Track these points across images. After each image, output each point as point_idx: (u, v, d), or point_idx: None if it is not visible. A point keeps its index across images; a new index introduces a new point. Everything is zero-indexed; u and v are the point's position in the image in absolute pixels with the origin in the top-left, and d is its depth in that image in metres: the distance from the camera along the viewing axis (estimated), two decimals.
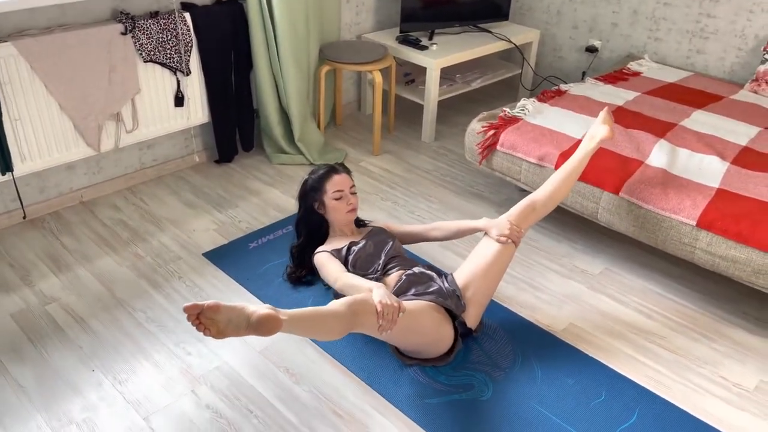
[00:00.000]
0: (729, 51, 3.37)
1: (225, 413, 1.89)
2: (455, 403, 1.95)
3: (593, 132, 2.42)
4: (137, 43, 2.69)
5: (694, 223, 2.22)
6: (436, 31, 3.76)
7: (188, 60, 2.87)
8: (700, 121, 2.81)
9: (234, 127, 3.22)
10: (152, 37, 2.72)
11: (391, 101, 3.62)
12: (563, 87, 3.15)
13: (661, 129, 2.72)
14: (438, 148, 3.53)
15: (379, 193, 3.07)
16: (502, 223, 2.16)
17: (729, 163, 2.46)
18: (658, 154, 2.52)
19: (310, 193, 2.38)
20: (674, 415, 1.94)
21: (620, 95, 3.06)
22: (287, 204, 2.94)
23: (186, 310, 1.44)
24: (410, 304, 1.94)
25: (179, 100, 2.93)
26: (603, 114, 2.46)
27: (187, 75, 2.90)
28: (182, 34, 2.81)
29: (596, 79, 3.30)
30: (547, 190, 2.28)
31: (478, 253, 2.16)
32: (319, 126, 3.47)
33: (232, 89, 3.12)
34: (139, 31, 2.68)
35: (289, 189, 3.07)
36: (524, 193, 3.08)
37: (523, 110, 2.85)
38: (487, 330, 2.24)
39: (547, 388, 2.01)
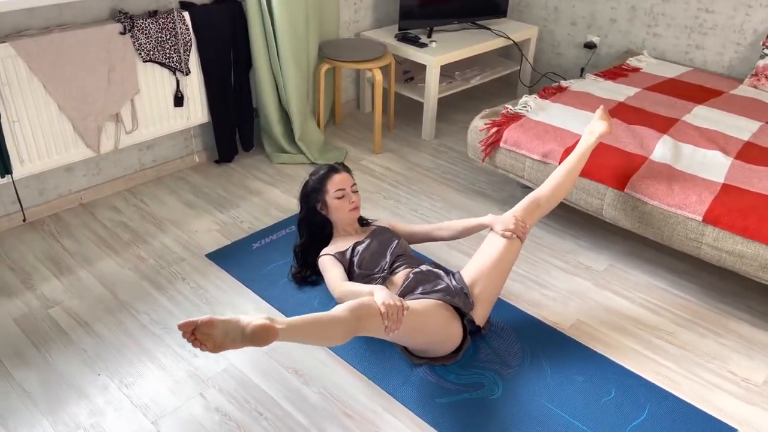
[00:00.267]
0: (728, 46, 3.38)
1: (234, 416, 1.87)
2: (466, 402, 1.94)
3: (592, 127, 2.42)
4: (136, 43, 2.66)
5: (701, 218, 2.22)
6: (435, 28, 3.74)
7: (187, 59, 2.84)
8: (701, 116, 2.81)
9: (234, 126, 3.20)
10: (151, 37, 2.70)
11: (391, 99, 3.60)
12: (564, 83, 3.15)
13: (663, 125, 2.71)
14: (438, 146, 3.51)
15: (382, 191, 3.06)
16: (507, 218, 2.16)
17: (732, 158, 2.47)
18: (662, 150, 2.52)
19: (312, 194, 2.36)
20: (684, 411, 1.93)
21: (621, 91, 3.06)
22: (289, 204, 2.92)
23: (181, 327, 1.43)
24: (418, 303, 1.93)
25: (179, 100, 2.90)
26: (599, 111, 2.47)
27: (187, 75, 2.87)
28: (181, 33, 2.78)
29: (596, 75, 3.29)
30: (550, 186, 2.28)
31: (484, 250, 2.15)
32: (318, 125, 3.45)
33: (232, 88, 3.09)
34: (138, 31, 2.65)
35: (290, 188, 3.05)
36: (527, 190, 3.08)
37: (525, 107, 2.85)
38: (494, 328, 2.23)
39: (557, 385, 2.00)
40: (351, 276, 2.21)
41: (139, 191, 2.99)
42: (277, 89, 3.18)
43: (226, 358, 2.08)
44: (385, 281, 2.17)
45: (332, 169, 2.38)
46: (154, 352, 2.09)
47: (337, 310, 1.68)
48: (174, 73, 2.84)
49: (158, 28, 2.70)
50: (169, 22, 2.74)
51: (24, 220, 2.71)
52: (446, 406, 1.92)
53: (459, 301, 2.03)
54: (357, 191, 2.39)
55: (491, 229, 2.18)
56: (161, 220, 2.78)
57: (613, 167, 2.44)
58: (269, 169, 3.22)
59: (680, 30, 3.51)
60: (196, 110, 2.99)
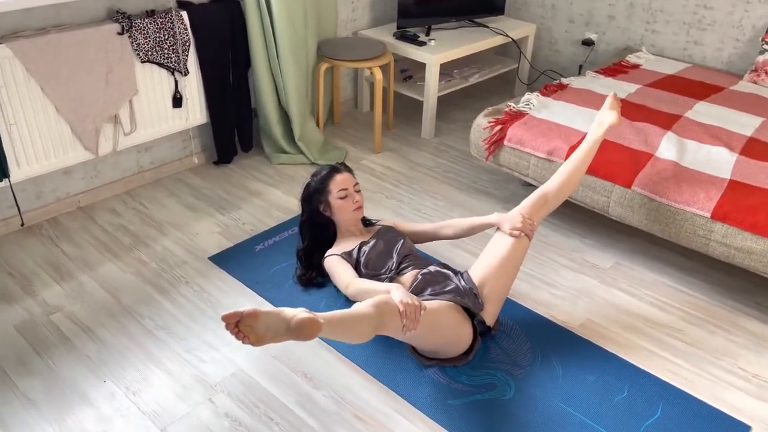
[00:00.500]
0: (726, 42, 3.38)
1: (245, 421, 1.84)
2: (478, 403, 1.92)
3: (601, 118, 2.39)
4: (134, 43, 2.62)
5: (709, 215, 2.21)
6: (433, 26, 3.72)
7: (186, 60, 2.80)
8: (703, 112, 2.81)
9: (233, 127, 3.16)
10: (149, 37, 2.66)
11: (390, 98, 3.58)
12: (564, 81, 3.14)
13: (666, 121, 2.71)
14: (438, 145, 3.49)
15: (384, 191, 3.03)
16: (514, 216, 2.13)
17: (737, 154, 2.46)
18: (667, 147, 2.51)
19: (314, 195, 2.33)
20: (697, 408, 1.92)
21: (622, 88, 3.05)
22: (290, 204, 2.89)
23: (225, 318, 1.40)
24: (429, 303, 1.91)
25: (177, 101, 2.86)
26: (610, 99, 2.43)
27: (185, 75, 2.83)
28: (179, 33, 2.74)
29: (596, 72, 3.29)
30: (557, 182, 2.25)
31: (491, 249, 2.13)
32: (318, 124, 3.42)
33: (231, 89, 3.06)
34: (136, 31, 2.61)
35: (290, 189, 3.02)
36: (529, 187, 3.06)
37: (528, 104, 2.83)
38: (503, 328, 2.21)
39: (569, 385, 1.99)
40: (358, 276, 2.18)
41: (137, 194, 2.95)
42: (276, 89, 3.14)
43: (233, 362, 2.05)
44: (392, 281, 2.15)
45: (334, 170, 2.35)
46: (160, 358, 2.06)
47: (363, 307, 1.65)
48: (172, 74, 2.80)
49: (156, 28, 2.66)
50: (167, 22, 2.70)
51: (22, 225, 2.66)
52: (458, 408, 1.90)
53: (469, 301, 2.01)
54: (360, 191, 2.36)
55: (498, 228, 2.16)
56: (161, 222, 2.74)
57: (620, 164, 2.43)
58: (269, 169, 3.19)
59: (679, 26, 3.50)
60: (195, 111, 2.95)
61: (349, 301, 2.25)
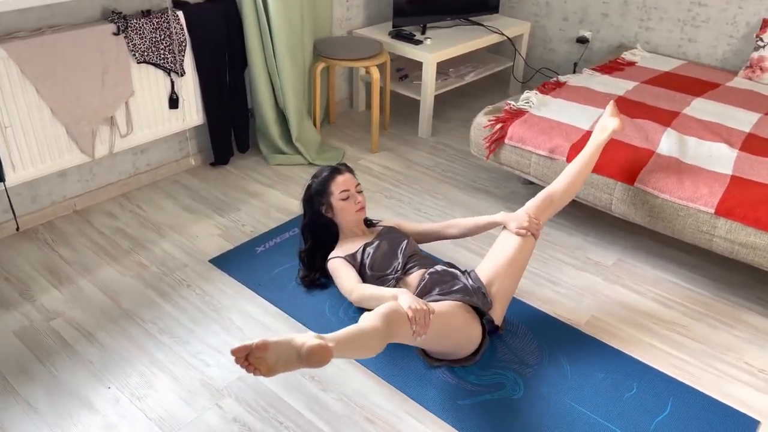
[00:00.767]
0: (721, 39, 3.40)
1: (254, 426, 1.82)
2: (488, 403, 1.91)
3: (604, 124, 2.41)
4: (130, 44, 2.58)
5: (713, 210, 2.22)
6: (428, 25, 3.71)
7: (182, 60, 2.77)
8: (701, 109, 2.82)
9: (229, 128, 3.13)
10: (145, 37, 2.62)
11: (387, 97, 3.56)
12: (562, 78, 3.14)
13: (665, 118, 2.72)
14: (435, 144, 3.48)
15: (383, 191, 3.02)
16: (520, 216, 2.13)
17: (738, 150, 2.47)
18: (668, 143, 2.51)
19: (316, 197, 2.31)
20: (706, 404, 1.93)
21: (619, 85, 3.06)
22: (289, 205, 2.87)
23: (234, 353, 1.37)
24: (438, 305, 1.89)
25: (174, 102, 2.82)
26: (610, 107, 2.46)
27: (181, 76, 2.80)
28: (175, 33, 2.71)
29: (593, 69, 3.29)
30: (563, 183, 2.26)
31: (498, 248, 2.12)
32: (315, 124, 3.39)
33: (227, 89, 3.02)
34: (132, 31, 2.57)
35: (289, 190, 3.00)
36: (528, 186, 3.06)
37: (527, 102, 2.83)
38: (509, 327, 2.20)
39: (578, 383, 1.98)
40: (363, 278, 2.16)
41: (134, 196, 2.91)
42: (273, 89, 3.11)
43: (239, 366, 2.01)
44: (398, 282, 2.13)
45: (335, 171, 2.33)
46: (165, 362, 2.03)
47: (371, 320, 1.62)
48: (168, 75, 2.76)
49: (152, 28, 2.63)
50: (163, 22, 2.66)
51: (17, 229, 2.61)
52: (469, 408, 1.89)
53: (478, 300, 2.00)
54: (361, 191, 2.35)
55: (504, 227, 2.15)
56: (160, 225, 2.71)
57: (622, 161, 2.43)
58: (266, 170, 3.16)
59: (673, 23, 3.52)
60: (191, 112, 2.92)
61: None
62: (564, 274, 2.48)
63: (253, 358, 1.39)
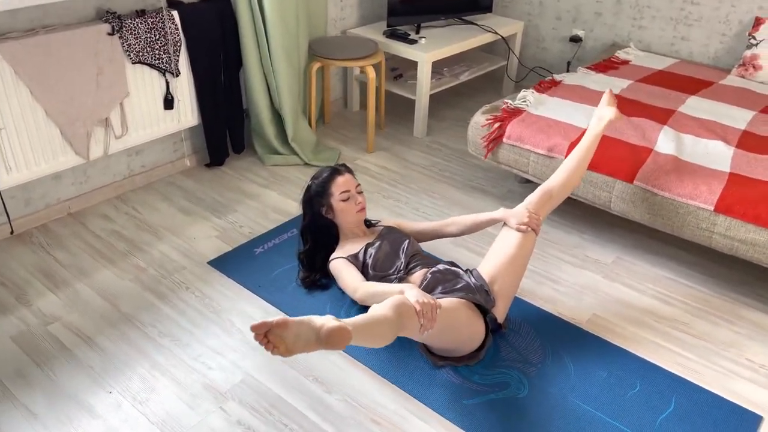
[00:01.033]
0: (713, 37, 3.42)
1: (259, 429, 1.80)
2: (493, 402, 1.90)
3: (601, 114, 2.40)
4: (125, 44, 2.55)
5: (712, 208, 2.23)
6: (422, 24, 3.71)
7: (177, 60, 2.74)
8: (696, 106, 2.84)
9: (224, 128, 3.10)
10: (140, 37, 2.59)
11: (382, 97, 3.55)
12: (557, 77, 3.14)
13: (661, 116, 2.73)
14: (431, 143, 3.48)
15: (381, 191, 3.01)
16: (520, 211, 2.13)
17: (734, 148, 2.49)
18: (665, 141, 2.52)
19: (316, 198, 2.30)
20: (710, 400, 1.94)
21: (614, 84, 3.07)
22: (286, 206, 2.85)
23: (254, 329, 1.35)
24: (443, 301, 1.89)
25: (169, 103, 2.80)
26: (607, 96, 2.45)
27: (176, 76, 2.77)
28: (170, 33, 2.68)
29: (587, 68, 3.30)
30: (561, 177, 2.25)
31: (499, 245, 2.12)
32: (310, 124, 3.37)
33: (222, 89, 3.00)
34: (127, 31, 2.54)
35: (285, 190, 2.98)
36: (525, 185, 3.06)
37: (524, 101, 2.83)
38: (512, 326, 2.20)
39: (582, 381, 1.98)
40: (366, 278, 2.15)
41: (129, 198, 2.88)
42: (269, 89, 3.09)
43: (241, 368, 2.00)
44: (401, 282, 2.12)
45: (335, 171, 2.32)
46: (166, 366, 2.00)
47: (382, 310, 1.61)
48: (164, 75, 2.74)
49: (147, 28, 2.60)
50: (158, 22, 2.63)
51: (12, 233, 2.57)
52: (474, 408, 1.88)
53: (481, 298, 1.99)
54: (362, 192, 2.34)
55: (504, 224, 2.15)
56: (156, 227, 2.68)
57: (620, 160, 2.44)
58: (262, 171, 3.14)
59: (666, 22, 3.54)
60: (187, 113, 2.89)
61: (355, 303, 2.22)
62: (564, 273, 2.49)
63: (272, 336, 1.38)
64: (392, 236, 2.26)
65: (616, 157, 2.45)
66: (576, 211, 2.87)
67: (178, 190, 2.96)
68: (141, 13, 2.61)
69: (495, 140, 2.70)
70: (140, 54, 2.62)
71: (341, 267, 2.18)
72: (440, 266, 2.12)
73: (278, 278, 2.39)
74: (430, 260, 2.20)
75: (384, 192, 3.00)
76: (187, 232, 2.65)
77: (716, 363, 2.09)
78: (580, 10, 3.82)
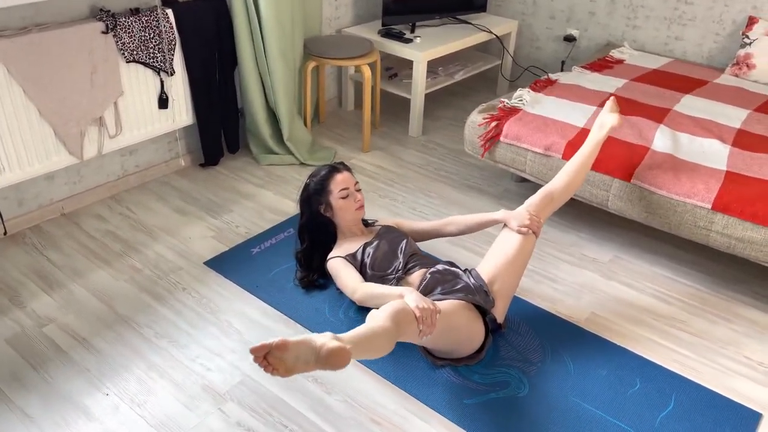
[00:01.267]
0: (707, 36, 3.44)
1: (258, 430, 1.78)
2: (493, 402, 1.90)
3: (602, 121, 2.41)
4: (119, 43, 2.53)
5: (710, 206, 2.23)
6: (417, 23, 3.70)
7: (172, 59, 2.72)
8: (690, 105, 2.85)
9: (219, 128, 3.08)
10: (134, 36, 2.56)
11: (377, 96, 3.54)
12: (553, 76, 3.14)
13: (657, 115, 2.73)
14: (426, 143, 3.47)
15: (377, 190, 3.00)
16: (521, 213, 2.12)
17: (730, 146, 2.50)
18: (661, 140, 2.53)
19: (314, 197, 2.28)
20: (709, 398, 1.94)
21: (610, 83, 3.07)
22: (283, 206, 2.83)
23: (253, 351, 1.34)
24: (442, 304, 1.88)
25: (163, 102, 2.77)
26: (610, 103, 2.47)
27: (171, 75, 2.74)
28: (165, 31, 2.66)
29: (582, 67, 3.30)
30: (562, 181, 2.26)
31: (499, 246, 2.11)
32: (305, 124, 3.36)
33: (217, 88, 2.98)
34: (121, 30, 2.52)
35: (281, 190, 2.96)
36: (521, 184, 3.06)
37: (521, 100, 2.83)
38: (511, 325, 2.20)
39: (582, 380, 1.98)
40: (364, 278, 2.14)
41: (123, 198, 2.85)
42: (264, 88, 3.08)
43: (239, 369, 1.98)
44: (399, 282, 2.11)
45: (334, 169, 2.31)
46: (164, 367, 1.98)
47: (380, 321, 1.59)
48: (158, 74, 2.71)
49: (141, 27, 2.57)
50: (153, 20, 2.61)
51: (5, 233, 2.54)
52: (475, 407, 1.88)
53: (480, 298, 1.99)
54: (360, 189, 2.33)
55: (505, 225, 2.15)
56: (151, 227, 2.66)
57: (618, 158, 2.44)
58: (257, 171, 3.12)
59: (660, 22, 3.55)
60: (181, 112, 2.87)
61: (354, 303, 2.21)
62: (561, 272, 2.49)
63: (272, 358, 1.36)
64: (390, 236, 2.25)
65: (613, 156, 2.45)
66: (573, 210, 2.87)
67: (172, 189, 2.93)
68: (135, 12, 2.59)
69: (492, 139, 2.70)
70: (134, 53, 2.59)
71: (339, 267, 2.16)
72: (439, 266, 2.11)
73: (276, 278, 2.37)
74: (428, 260, 2.19)
75: (380, 191, 2.99)
76: (182, 233, 2.63)
77: (714, 361, 2.10)
78: (574, 10, 3.83)
